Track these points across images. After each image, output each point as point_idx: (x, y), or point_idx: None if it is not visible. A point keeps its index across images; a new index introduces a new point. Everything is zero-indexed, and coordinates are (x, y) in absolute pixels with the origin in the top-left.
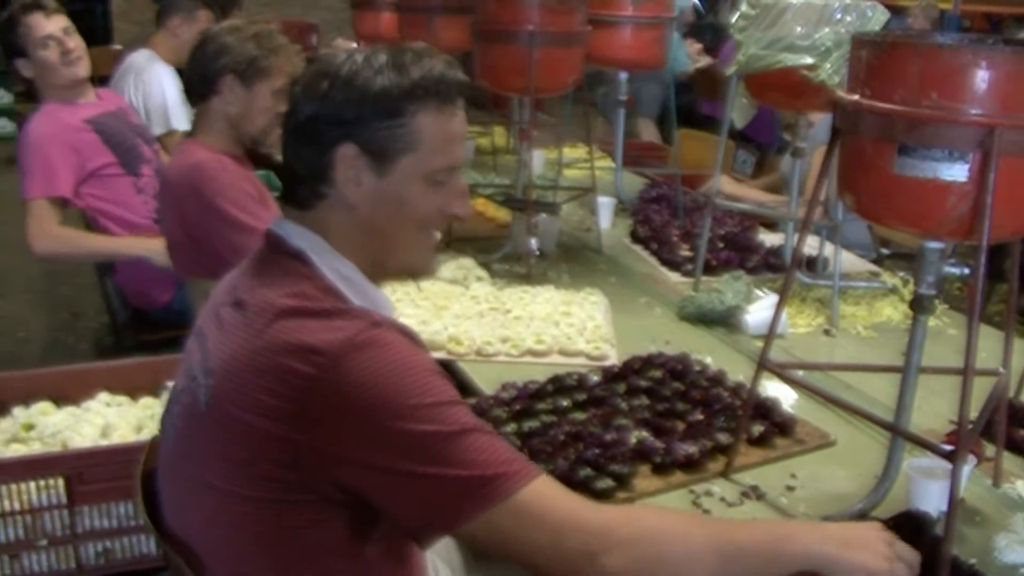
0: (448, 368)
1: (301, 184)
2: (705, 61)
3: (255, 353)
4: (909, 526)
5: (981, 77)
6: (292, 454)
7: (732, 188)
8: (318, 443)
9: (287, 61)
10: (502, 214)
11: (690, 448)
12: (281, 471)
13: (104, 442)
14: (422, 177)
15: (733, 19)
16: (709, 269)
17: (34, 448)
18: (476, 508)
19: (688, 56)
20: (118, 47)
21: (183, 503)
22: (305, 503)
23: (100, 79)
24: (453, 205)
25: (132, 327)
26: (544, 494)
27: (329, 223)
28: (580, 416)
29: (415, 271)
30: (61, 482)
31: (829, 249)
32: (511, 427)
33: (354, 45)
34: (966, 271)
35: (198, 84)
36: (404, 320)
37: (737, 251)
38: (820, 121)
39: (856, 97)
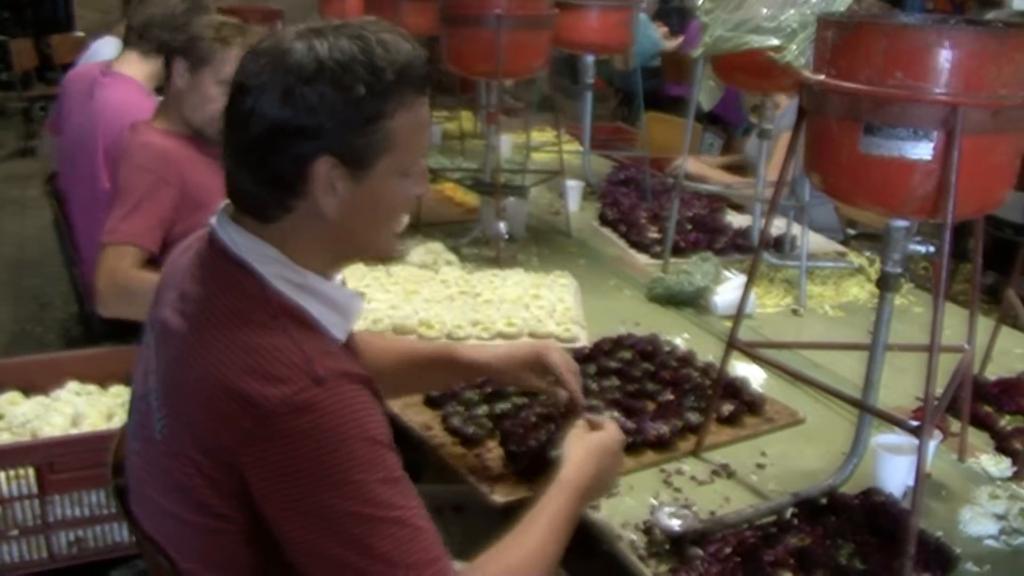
0: None
1: (260, 195)
2: (671, 44)
3: (199, 385)
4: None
5: (945, 56)
6: (239, 496)
7: (698, 168)
8: (252, 495)
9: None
10: (470, 198)
11: (661, 427)
12: (236, 509)
13: (75, 431)
14: (397, 174)
15: (699, 1)
16: (678, 251)
17: (3, 438)
18: None
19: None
20: (80, 34)
21: (151, 519)
22: (268, 533)
23: (63, 66)
24: (418, 188)
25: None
26: None
27: (292, 235)
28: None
29: (384, 257)
30: (32, 472)
31: (796, 229)
32: (483, 409)
33: None
34: (931, 249)
35: None
36: (374, 305)
37: (705, 232)
38: (787, 107)
39: (822, 77)
